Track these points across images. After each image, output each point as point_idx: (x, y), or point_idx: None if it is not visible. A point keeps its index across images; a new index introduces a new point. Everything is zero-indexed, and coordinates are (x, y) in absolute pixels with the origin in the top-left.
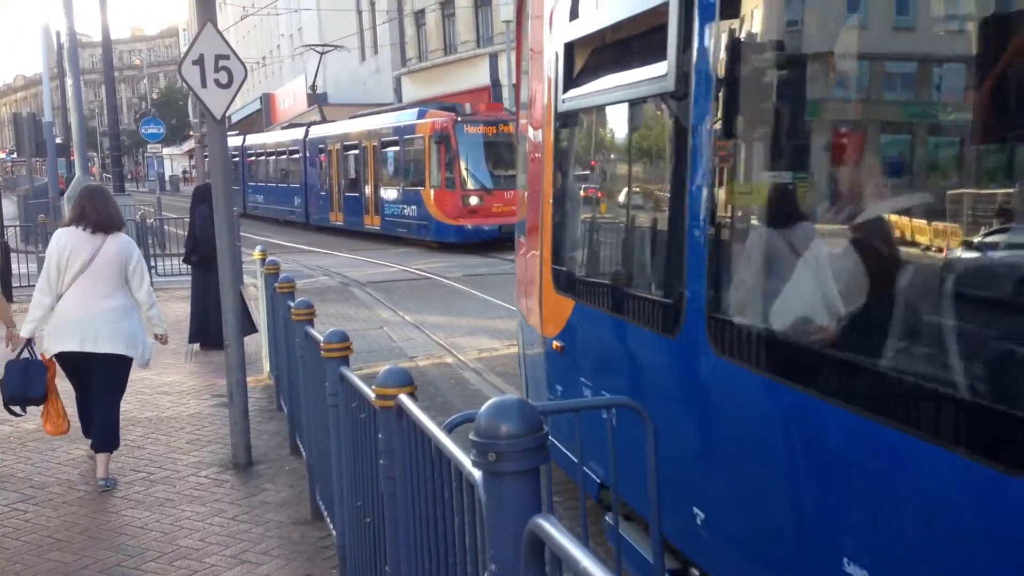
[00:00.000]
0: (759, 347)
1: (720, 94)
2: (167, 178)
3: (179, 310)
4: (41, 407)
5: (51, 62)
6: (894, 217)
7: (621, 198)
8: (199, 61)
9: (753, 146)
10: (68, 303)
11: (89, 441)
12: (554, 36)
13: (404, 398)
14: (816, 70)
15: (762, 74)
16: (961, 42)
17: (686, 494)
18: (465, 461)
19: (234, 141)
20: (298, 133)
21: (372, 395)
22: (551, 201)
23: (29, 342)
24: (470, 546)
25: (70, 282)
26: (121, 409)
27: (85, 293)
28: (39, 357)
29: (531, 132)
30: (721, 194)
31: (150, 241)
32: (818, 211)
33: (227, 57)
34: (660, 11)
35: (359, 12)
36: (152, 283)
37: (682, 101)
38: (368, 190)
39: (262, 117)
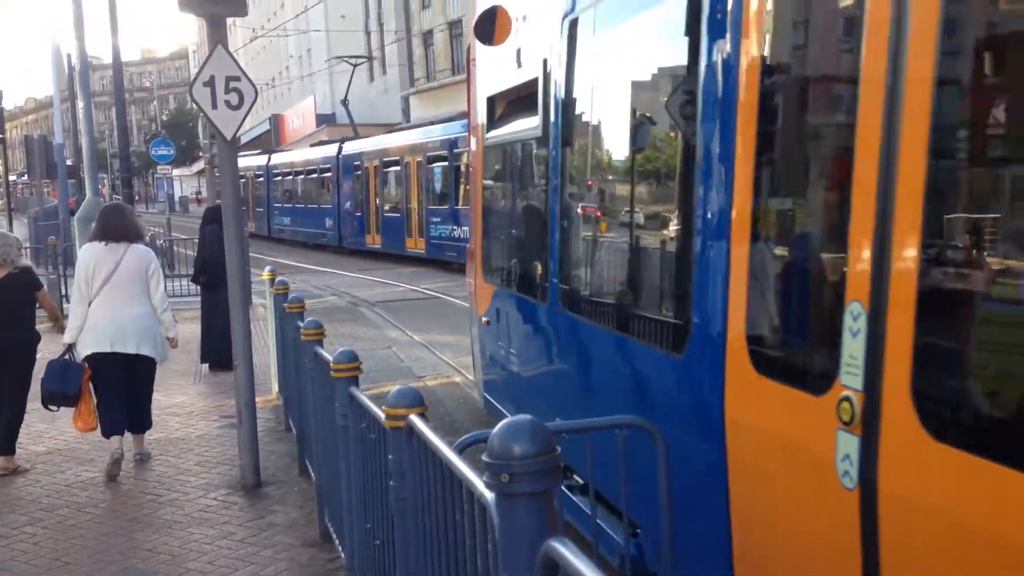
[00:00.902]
0: (574, 301)
1: (562, 139)
2: (177, 199)
3: (187, 331)
4: (74, 409)
5: (62, 84)
6: (617, 219)
7: (516, 209)
8: (210, 83)
9: (577, 175)
10: (97, 310)
11: (111, 448)
12: (481, 89)
13: (415, 418)
14: (599, 127)
15: (578, 129)
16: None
17: (553, 406)
18: (477, 482)
19: (258, 160)
20: (330, 150)
21: (382, 415)
22: (480, 211)
23: (71, 347)
24: (482, 569)
25: (97, 291)
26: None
27: (112, 301)
28: (78, 361)
29: (472, 156)
30: (563, 207)
31: (160, 262)
32: (596, 217)
33: (238, 79)
34: (533, 83)
35: (367, 32)
36: None
37: (545, 143)
38: (411, 210)
39: (271, 138)
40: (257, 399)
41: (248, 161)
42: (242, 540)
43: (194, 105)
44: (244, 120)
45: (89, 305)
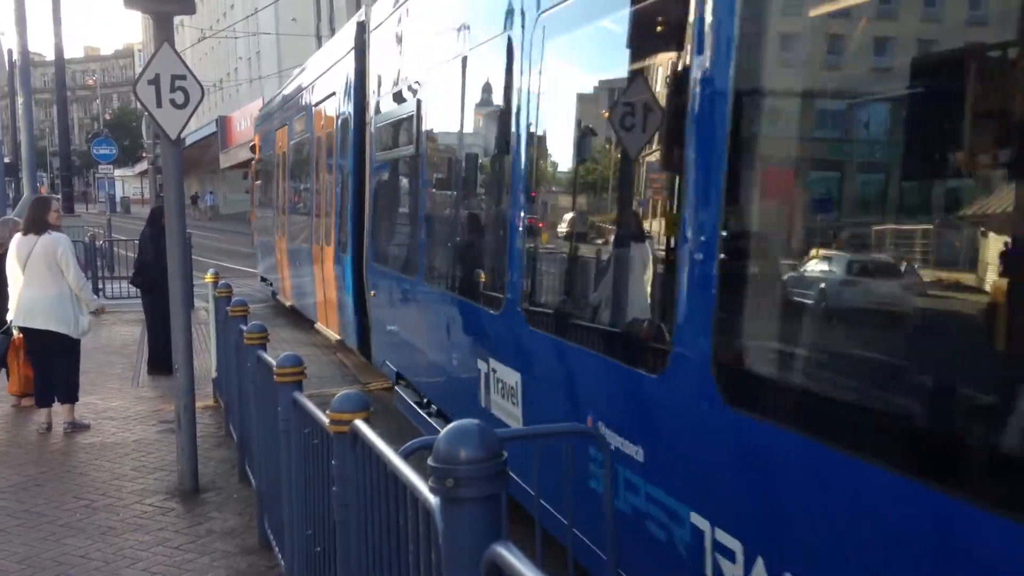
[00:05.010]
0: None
1: (426, 160)
2: (118, 199)
3: (126, 333)
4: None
5: (1, 80)
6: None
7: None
8: (155, 81)
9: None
10: (22, 291)
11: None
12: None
13: (359, 423)
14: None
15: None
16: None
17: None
18: (422, 487)
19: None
20: None
21: (326, 420)
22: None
23: (9, 323)
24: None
25: (21, 276)
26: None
27: (30, 283)
28: (12, 334)
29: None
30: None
31: (99, 263)
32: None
33: (183, 77)
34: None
35: (318, 37)
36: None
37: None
38: None
39: (218, 139)
40: (197, 403)
41: None
42: (178, 547)
43: (138, 104)
44: (189, 120)
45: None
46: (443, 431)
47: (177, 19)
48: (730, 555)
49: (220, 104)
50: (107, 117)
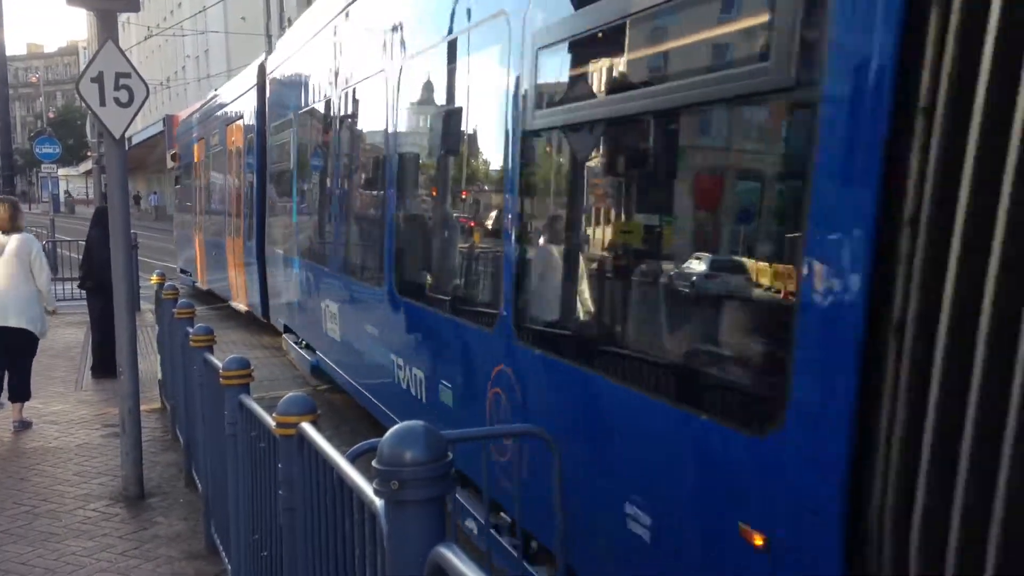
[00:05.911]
0: (188, 217)
1: (296, 172)
2: (62, 199)
3: (70, 335)
4: None
5: None
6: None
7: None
8: (98, 79)
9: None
10: None
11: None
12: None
13: (306, 426)
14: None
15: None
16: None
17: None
18: (367, 490)
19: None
20: None
21: (272, 423)
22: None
23: None
24: None
25: None
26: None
27: (4, 280)
28: None
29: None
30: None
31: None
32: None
33: (128, 75)
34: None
35: (268, 36)
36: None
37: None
38: None
39: (164, 139)
40: (143, 407)
41: None
42: (123, 553)
43: (82, 102)
44: (134, 119)
45: None
46: (388, 433)
47: (123, 16)
48: (421, 383)
49: (167, 103)
50: (51, 115)
